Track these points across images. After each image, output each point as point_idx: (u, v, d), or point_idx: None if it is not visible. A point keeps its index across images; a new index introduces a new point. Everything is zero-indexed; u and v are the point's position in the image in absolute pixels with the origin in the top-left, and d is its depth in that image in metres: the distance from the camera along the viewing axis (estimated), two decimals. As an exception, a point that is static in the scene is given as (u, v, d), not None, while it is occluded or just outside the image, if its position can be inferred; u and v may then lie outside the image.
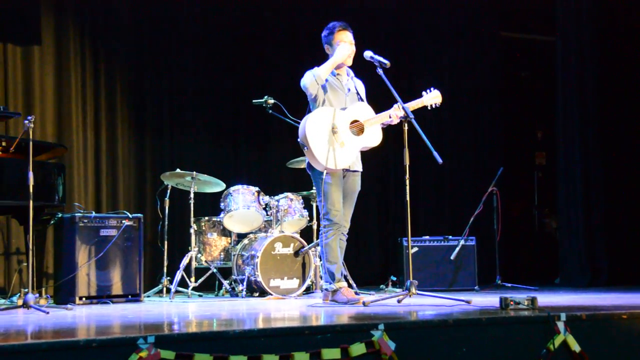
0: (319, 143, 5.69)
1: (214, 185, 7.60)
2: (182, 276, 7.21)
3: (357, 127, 5.84)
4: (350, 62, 5.98)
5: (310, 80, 5.77)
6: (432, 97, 5.95)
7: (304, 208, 7.51)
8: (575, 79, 8.76)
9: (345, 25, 5.94)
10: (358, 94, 6.03)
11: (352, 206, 6.00)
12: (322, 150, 5.68)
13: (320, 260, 5.96)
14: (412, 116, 5.60)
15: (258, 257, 6.98)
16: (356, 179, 6.00)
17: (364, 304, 5.56)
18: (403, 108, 5.65)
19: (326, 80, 5.84)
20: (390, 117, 5.80)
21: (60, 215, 6.68)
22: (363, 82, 6.18)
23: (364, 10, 9.47)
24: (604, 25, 8.90)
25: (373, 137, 5.88)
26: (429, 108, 5.94)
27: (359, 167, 5.99)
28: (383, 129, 5.98)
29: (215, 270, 7.41)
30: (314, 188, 6.57)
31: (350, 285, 7.27)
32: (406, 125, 5.65)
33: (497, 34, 9.99)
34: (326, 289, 5.89)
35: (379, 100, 6.00)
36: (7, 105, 7.68)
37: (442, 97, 5.98)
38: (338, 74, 5.96)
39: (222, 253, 7.55)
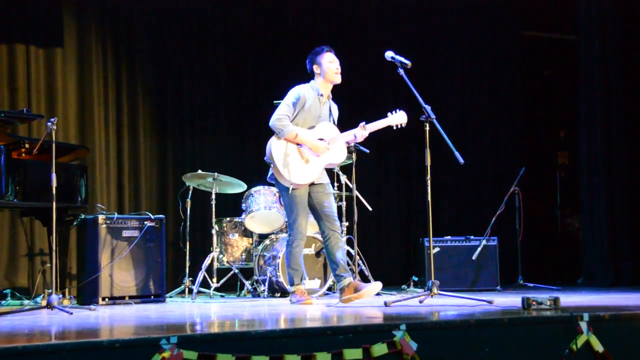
0: (284, 161, 5.94)
1: (235, 186, 7.62)
2: (204, 277, 7.23)
3: None
4: (339, 80, 6.08)
5: (278, 131, 5.94)
6: (397, 118, 6.08)
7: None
8: (599, 77, 8.70)
9: (330, 48, 6.11)
10: (331, 115, 6.18)
11: (333, 206, 6.10)
12: (287, 168, 5.93)
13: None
14: (433, 116, 5.61)
15: (280, 257, 6.99)
16: (324, 188, 6.10)
17: (385, 304, 5.56)
18: (374, 130, 5.96)
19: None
20: (354, 136, 6.02)
21: (83, 216, 6.73)
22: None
23: (385, 11, 9.46)
24: (628, 24, 8.82)
25: (337, 154, 6.08)
26: (394, 128, 6.07)
27: (324, 180, 6.13)
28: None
29: (236, 271, 7.43)
30: (336, 188, 6.68)
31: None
32: (427, 125, 5.65)
33: (519, 33, 9.94)
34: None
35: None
36: (30, 107, 7.76)
37: (406, 118, 6.08)
38: (321, 95, 6.09)
39: (243, 254, 7.57)
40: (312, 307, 5.98)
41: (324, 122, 6.08)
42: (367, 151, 5.45)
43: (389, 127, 6.07)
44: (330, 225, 6.01)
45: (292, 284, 6.16)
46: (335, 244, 5.99)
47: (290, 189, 5.94)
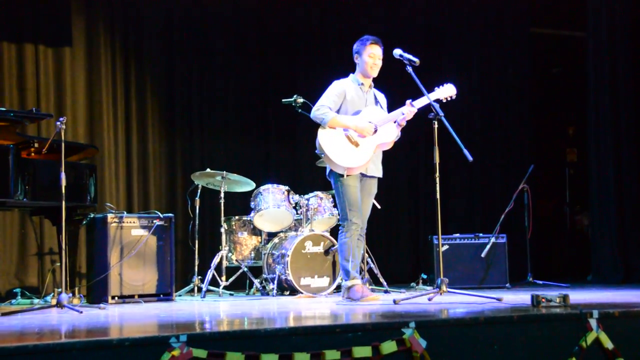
0: (333, 147, 5.88)
1: (244, 185, 7.62)
2: (213, 275, 7.24)
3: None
4: (375, 74, 6.08)
5: (320, 120, 5.92)
6: (445, 91, 5.98)
7: (334, 206, 7.50)
8: (607, 74, 8.68)
9: (379, 40, 6.03)
10: (378, 102, 6.15)
11: (369, 208, 6.13)
12: (338, 154, 5.87)
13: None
14: (442, 114, 5.61)
15: (288, 255, 7.00)
16: (373, 183, 6.12)
17: (394, 301, 5.56)
18: (422, 105, 5.80)
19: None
20: (403, 114, 5.90)
21: (92, 215, 6.75)
22: (389, 87, 6.26)
23: (393, 8, 9.46)
24: (636, 20, 8.78)
25: (387, 135, 6.00)
26: (443, 101, 5.95)
27: (377, 173, 6.11)
28: (408, 126, 6.01)
29: (246, 269, 7.44)
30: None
31: (380, 284, 7.29)
32: (436, 123, 5.66)
33: (527, 30, 9.91)
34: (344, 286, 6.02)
35: (408, 98, 5.98)
36: (39, 106, 7.78)
37: (456, 89, 5.98)
38: (362, 84, 6.08)
39: (252, 252, 7.58)
40: (325, 304, 5.99)
41: (370, 106, 6.06)
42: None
43: (438, 101, 5.95)
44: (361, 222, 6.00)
45: (347, 279, 5.93)
46: (358, 245, 5.98)
47: (345, 175, 5.88)
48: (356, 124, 5.90)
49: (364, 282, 6.22)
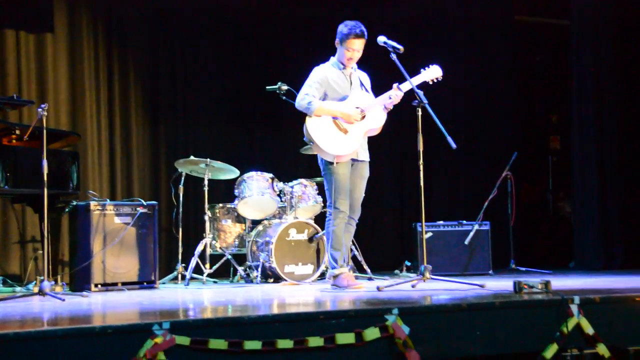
0: (322, 135, 5.86)
1: (228, 172, 7.61)
2: (197, 263, 7.23)
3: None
4: (350, 66, 6.06)
5: (304, 109, 5.90)
6: (431, 73, 5.98)
7: (318, 194, 7.51)
8: (590, 62, 8.70)
9: (363, 33, 5.95)
10: (362, 84, 6.11)
11: (362, 193, 6.11)
12: (327, 142, 5.85)
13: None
14: (426, 101, 5.61)
15: (272, 243, 7.00)
16: (365, 167, 6.10)
17: (378, 288, 5.58)
18: (405, 90, 5.79)
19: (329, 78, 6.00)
20: (390, 98, 5.88)
21: (74, 203, 6.71)
22: (374, 71, 6.23)
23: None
24: (620, 8, 8.81)
25: (375, 120, 5.99)
26: (430, 83, 5.94)
27: (365, 156, 6.10)
28: (392, 112, 6.01)
29: (229, 257, 7.43)
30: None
31: (364, 271, 7.31)
32: (420, 110, 5.66)
33: (511, 18, 9.92)
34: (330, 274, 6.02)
35: (393, 80, 5.98)
36: (21, 93, 7.71)
37: (442, 71, 5.98)
38: (344, 68, 6.05)
39: (236, 239, 7.57)
40: (309, 291, 6.00)
41: (356, 91, 6.03)
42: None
43: (424, 84, 5.95)
44: (352, 212, 6.02)
45: (334, 267, 5.93)
46: (347, 229, 6.02)
47: (335, 163, 5.87)
48: (343, 110, 5.88)
49: (349, 269, 6.22)
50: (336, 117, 5.88)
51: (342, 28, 5.97)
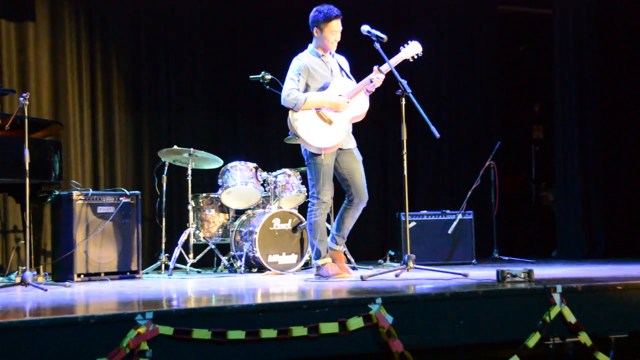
0: (307, 128, 5.83)
1: (212, 162, 7.58)
2: (181, 253, 7.22)
3: None
4: (334, 49, 6.03)
5: (292, 105, 5.85)
6: (410, 49, 5.93)
7: (302, 184, 7.50)
8: (573, 52, 8.73)
9: (340, 13, 5.94)
10: (342, 70, 6.08)
11: (362, 177, 6.07)
12: (313, 135, 5.83)
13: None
14: (409, 90, 5.60)
15: (256, 233, 6.99)
16: (352, 154, 6.06)
17: (361, 278, 5.59)
18: (389, 69, 5.75)
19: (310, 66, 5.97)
20: (371, 82, 5.85)
21: (57, 192, 6.68)
22: (350, 59, 6.25)
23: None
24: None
25: (360, 106, 5.96)
26: (410, 60, 5.93)
27: (351, 144, 6.07)
28: (375, 102, 6.01)
29: (213, 247, 7.42)
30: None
31: (348, 261, 7.31)
32: (403, 100, 5.65)
33: (494, 7, 9.92)
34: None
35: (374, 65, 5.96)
36: (2, 82, 7.65)
37: (421, 47, 5.94)
38: (322, 55, 6.02)
39: (220, 229, 7.56)
40: (293, 281, 6.00)
41: (336, 78, 5.99)
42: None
43: (405, 62, 5.92)
44: (360, 196, 6.01)
45: (317, 257, 5.96)
46: (352, 214, 6.03)
47: (322, 155, 5.82)
48: (329, 99, 5.86)
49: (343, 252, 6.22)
50: (323, 107, 5.85)
51: (317, 15, 5.94)
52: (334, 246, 6.03)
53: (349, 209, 6.03)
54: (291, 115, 5.86)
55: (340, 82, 5.97)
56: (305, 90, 5.93)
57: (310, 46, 6.06)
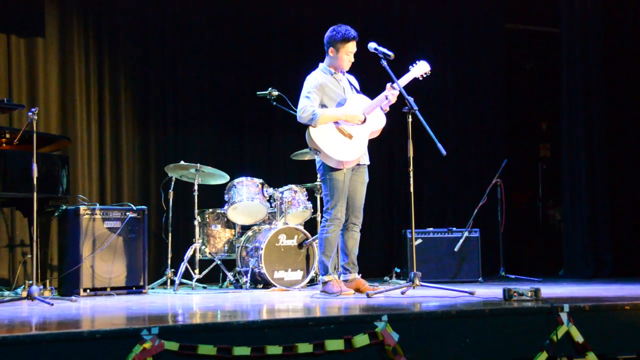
0: (328, 143, 5.83)
1: (218, 177, 7.60)
2: (186, 268, 7.22)
3: None
4: (347, 69, 6.06)
5: (308, 120, 5.85)
6: (420, 68, 5.99)
7: (308, 200, 7.51)
8: (580, 70, 8.74)
9: (357, 36, 5.97)
10: (354, 87, 6.13)
11: (363, 198, 6.11)
12: (334, 148, 5.83)
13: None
14: (416, 108, 5.61)
15: (262, 248, 6.99)
16: (364, 172, 6.11)
17: (367, 295, 5.57)
18: (399, 88, 5.77)
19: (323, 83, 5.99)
20: (387, 98, 5.89)
21: (64, 207, 6.69)
22: (364, 75, 6.26)
23: (366, 2, 9.44)
24: (609, 16, 8.86)
25: (377, 121, 6.01)
26: (420, 79, 5.97)
27: (366, 160, 6.11)
28: (387, 115, 6.04)
29: (219, 262, 7.42)
30: (318, 180, 6.65)
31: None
32: (410, 117, 5.67)
33: (501, 26, 9.94)
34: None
35: (383, 84, 5.99)
36: (11, 97, 7.69)
37: (429, 66, 6.01)
38: (335, 74, 6.05)
39: (226, 245, 7.56)
40: (299, 297, 5.98)
41: (350, 95, 6.02)
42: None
43: (415, 80, 5.97)
44: (353, 217, 6.03)
45: (324, 273, 5.95)
46: (352, 236, 6.03)
47: (344, 170, 5.84)
48: (345, 112, 5.88)
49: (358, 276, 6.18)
50: (339, 121, 5.87)
51: (334, 34, 5.94)
52: (349, 276, 6.01)
53: (345, 232, 6.04)
54: (311, 130, 5.86)
55: (356, 99, 6.01)
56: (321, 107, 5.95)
57: (323, 64, 6.08)
